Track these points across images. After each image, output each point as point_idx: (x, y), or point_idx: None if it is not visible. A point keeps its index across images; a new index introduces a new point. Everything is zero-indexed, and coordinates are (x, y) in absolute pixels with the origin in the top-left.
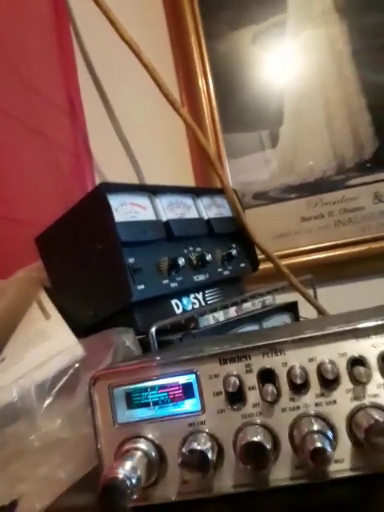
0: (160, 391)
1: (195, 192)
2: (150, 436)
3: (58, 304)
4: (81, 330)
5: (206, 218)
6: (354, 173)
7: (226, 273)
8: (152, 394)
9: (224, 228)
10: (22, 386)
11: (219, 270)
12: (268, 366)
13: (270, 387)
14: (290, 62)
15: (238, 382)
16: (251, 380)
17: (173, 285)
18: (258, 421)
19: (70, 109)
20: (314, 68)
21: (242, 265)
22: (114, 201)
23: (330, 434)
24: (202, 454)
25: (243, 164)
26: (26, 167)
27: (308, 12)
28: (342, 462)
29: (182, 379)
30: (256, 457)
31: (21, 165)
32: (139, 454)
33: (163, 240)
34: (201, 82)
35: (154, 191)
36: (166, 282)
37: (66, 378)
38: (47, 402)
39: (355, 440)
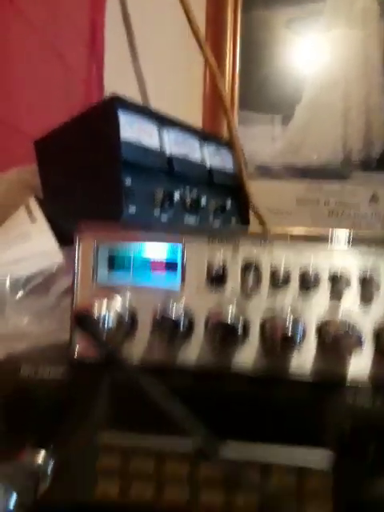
0: (143, 259)
1: (203, 136)
2: (126, 298)
3: (45, 212)
4: (64, 240)
5: (208, 166)
6: (357, 169)
7: (216, 224)
8: (135, 259)
9: (224, 180)
10: None
11: (210, 218)
12: (253, 257)
13: (251, 277)
14: (317, 51)
15: (222, 264)
16: (235, 266)
17: (162, 218)
18: (234, 307)
19: (90, 36)
20: (341, 63)
21: (233, 220)
22: (124, 117)
23: (300, 330)
24: (174, 322)
25: (252, 133)
26: (38, 81)
27: (346, 10)
28: (302, 366)
29: (167, 249)
30: (225, 336)
31: (32, 77)
32: (114, 309)
33: (163, 173)
34: (228, 50)
35: (163, 121)
36: (156, 213)
37: (41, 278)
38: (19, 295)
39: (322, 346)
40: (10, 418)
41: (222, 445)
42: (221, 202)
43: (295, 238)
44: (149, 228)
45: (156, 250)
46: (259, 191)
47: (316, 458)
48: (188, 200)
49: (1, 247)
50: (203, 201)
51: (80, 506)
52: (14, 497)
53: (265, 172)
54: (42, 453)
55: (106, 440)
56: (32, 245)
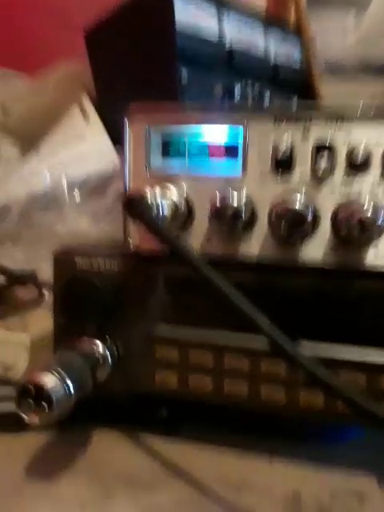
0: (201, 143)
1: (267, 21)
2: (182, 187)
3: (99, 110)
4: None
5: (272, 57)
6: None
7: None
8: (191, 144)
9: (290, 75)
10: (55, 175)
11: None
12: (328, 138)
13: (324, 161)
14: None
15: (290, 147)
16: (305, 149)
17: None
18: (303, 196)
19: None
20: None
21: None
22: (179, 2)
23: (381, 216)
24: (235, 212)
25: (321, 26)
26: None
27: None
28: (381, 258)
29: (227, 132)
30: (292, 226)
31: None
32: (169, 197)
33: (222, 65)
34: None
35: (222, 4)
36: None
37: (98, 180)
38: (77, 196)
39: None
40: (68, 310)
41: (291, 343)
42: (285, 99)
43: (379, 115)
44: (206, 108)
45: (214, 133)
46: (329, 92)
47: None
48: (249, 96)
49: (56, 147)
50: (266, 97)
51: (139, 394)
52: (71, 383)
53: (335, 69)
54: (101, 342)
55: (164, 333)
56: (87, 145)
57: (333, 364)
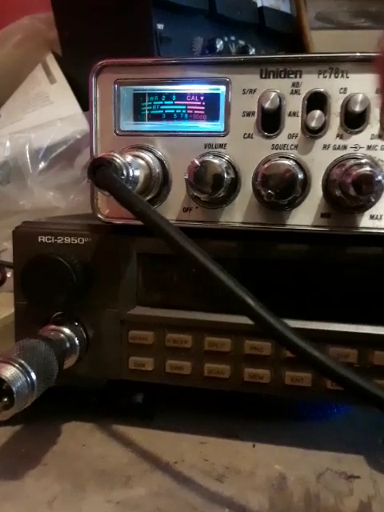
0: (177, 103)
1: None
2: (156, 150)
3: (66, 70)
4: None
5: (259, 3)
6: None
7: None
8: (167, 103)
9: (277, 24)
10: (16, 142)
11: None
12: (321, 89)
13: (317, 113)
14: None
15: (278, 101)
16: (295, 103)
17: None
18: (292, 155)
19: None
20: None
21: None
22: None
23: (380, 176)
24: (216, 173)
25: None
26: None
27: None
28: (379, 219)
29: (208, 89)
30: (280, 189)
31: None
32: (141, 162)
33: (202, 16)
34: None
35: None
36: None
37: (64, 147)
38: (41, 166)
39: None
40: (31, 292)
41: (279, 320)
42: (273, 53)
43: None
44: (184, 63)
45: (193, 91)
46: (321, 43)
47: None
48: (233, 50)
49: (17, 112)
50: (252, 51)
51: (111, 380)
52: (34, 374)
53: (327, 20)
54: (68, 326)
55: (139, 314)
56: (52, 110)
57: (323, 338)
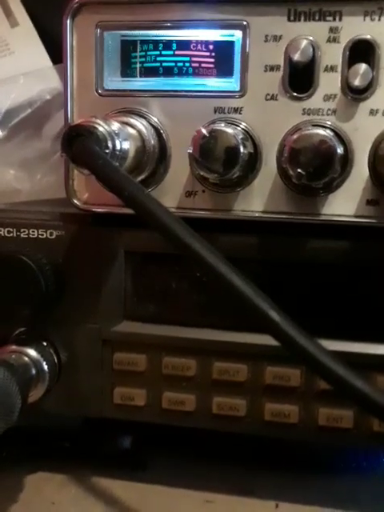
0: (178, 53)
1: None
2: (151, 115)
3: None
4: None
5: None
6: None
7: None
8: (164, 55)
9: None
10: None
11: None
12: (368, 36)
13: (362, 67)
14: None
15: (311, 52)
16: (333, 54)
17: None
18: (329, 123)
19: None
20: None
21: None
22: None
23: None
24: (230, 146)
25: None
26: None
27: None
28: None
29: (219, 35)
30: (313, 166)
31: None
32: (131, 131)
33: None
34: None
35: None
36: None
37: (29, 111)
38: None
39: None
40: None
41: (312, 339)
42: None
43: None
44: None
45: (200, 38)
46: None
47: None
48: None
49: None
50: None
51: (91, 418)
52: None
53: None
54: (34, 348)
55: (126, 331)
56: (13, 60)
57: (369, 365)
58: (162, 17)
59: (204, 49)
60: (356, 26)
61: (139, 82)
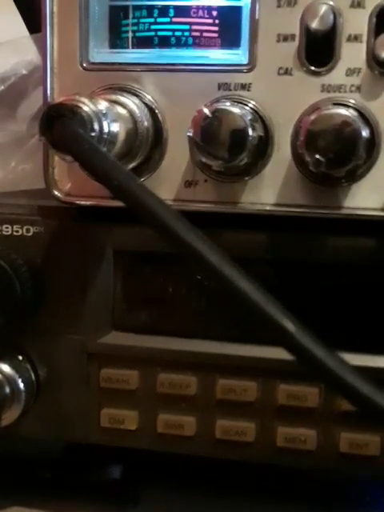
0: (176, 21)
1: None
2: (144, 93)
3: None
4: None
5: None
6: None
7: None
8: (160, 23)
9: None
10: None
11: None
12: None
13: None
14: None
15: (331, 19)
16: (358, 21)
17: None
18: (352, 101)
19: None
20: None
21: None
22: None
23: None
24: (237, 122)
25: None
26: None
27: None
28: None
29: (223, 0)
30: (334, 151)
31: None
32: (122, 110)
33: None
34: None
35: None
36: None
37: (2, 87)
38: None
39: None
40: None
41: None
42: None
43: None
44: None
45: (201, 3)
46: None
47: None
48: None
49: None
50: None
51: (74, 444)
52: None
53: None
54: (8, 360)
55: (115, 343)
56: None
57: None
58: None
59: (206, 15)
60: None
61: (131, 54)
